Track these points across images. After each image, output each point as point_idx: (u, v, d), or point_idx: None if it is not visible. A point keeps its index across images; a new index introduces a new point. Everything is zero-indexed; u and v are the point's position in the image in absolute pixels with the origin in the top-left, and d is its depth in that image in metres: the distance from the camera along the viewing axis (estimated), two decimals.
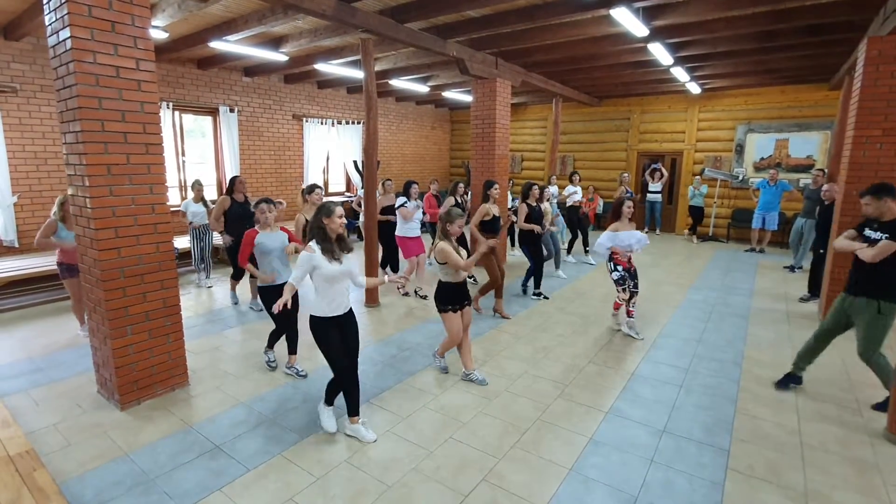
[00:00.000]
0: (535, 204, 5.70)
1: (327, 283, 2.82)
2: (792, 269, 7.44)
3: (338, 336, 2.89)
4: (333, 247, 2.83)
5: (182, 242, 6.45)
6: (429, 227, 6.99)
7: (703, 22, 5.32)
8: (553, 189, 7.90)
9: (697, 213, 9.81)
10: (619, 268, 4.58)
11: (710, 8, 4.75)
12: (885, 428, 3.04)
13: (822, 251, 5.73)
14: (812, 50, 6.36)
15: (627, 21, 4.75)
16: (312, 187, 4.90)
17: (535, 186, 5.72)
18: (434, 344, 4.41)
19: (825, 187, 5.80)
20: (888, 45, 4.42)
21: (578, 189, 8.17)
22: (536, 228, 5.57)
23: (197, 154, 8.44)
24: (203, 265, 6.29)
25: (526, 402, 3.41)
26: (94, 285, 3.19)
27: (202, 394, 3.49)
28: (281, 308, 2.68)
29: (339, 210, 2.86)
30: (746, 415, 3.25)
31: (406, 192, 6.01)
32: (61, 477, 2.55)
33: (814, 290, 5.89)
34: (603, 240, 4.61)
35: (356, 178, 10.50)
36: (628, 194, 8.28)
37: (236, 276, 5.58)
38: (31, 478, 2.19)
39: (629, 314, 4.67)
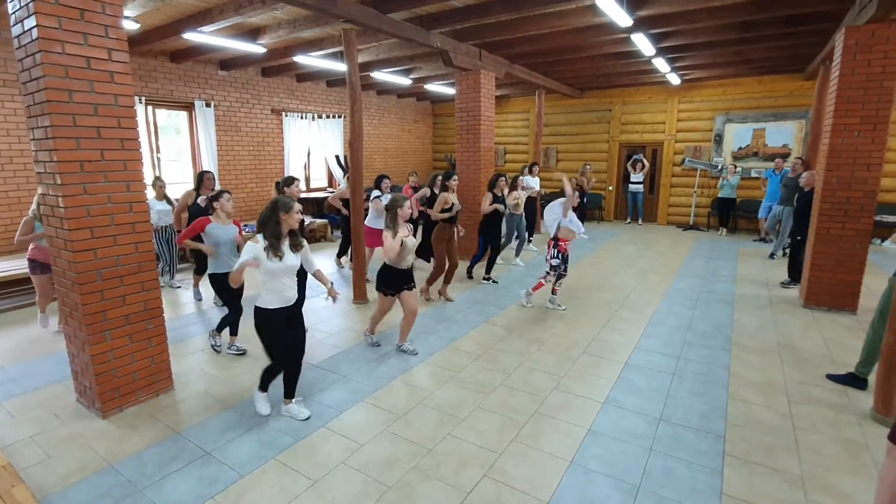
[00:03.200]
0: (500, 194, 6.07)
1: (270, 276, 2.89)
2: (772, 256, 7.61)
3: (281, 327, 2.97)
4: (280, 243, 2.89)
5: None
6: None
7: (685, 12, 5.35)
8: (527, 179, 8.08)
9: (726, 206, 9.29)
10: (561, 255, 5.03)
11: None
12: (871, 408, 3.12)
13: (799, 238, 5.87)
14: (788, 40, 6.48)
15: (612, 10, 4.72)
16: (291, 179, 4.86)
17: (502, 178, 6.10)
18: (423, 338, 4.36)
19: (804, 174, 5.92)
20: (864, 34, 4.50)
21: (536, 180, 8.34)
22: (500, 207, 5.99)
23: (172, 151, 8.16)
24: (169, 266, 6.11)
25: (522, 395, 3.38)
26: (69, 289, 3.02)
27: (189, 398, 3.37)
28: (237, 286, 2.99)
29: (297, 206, 2.94)
30: (739, 400, 3.30)
31: (378, 185, 6.27)
32: (42, 492, 2.41)
33: (794, 275, 6.03)
34: (557, 214, 4.99)
35: (338, 173, 10.33)
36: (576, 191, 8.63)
37: (199, 272, 5.52)
38: (10, 495, 2.06)
39: (554, 292, 5.21)
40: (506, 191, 6.18)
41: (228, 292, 3.93)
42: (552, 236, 5.10)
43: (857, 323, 4.73)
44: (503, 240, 7.04)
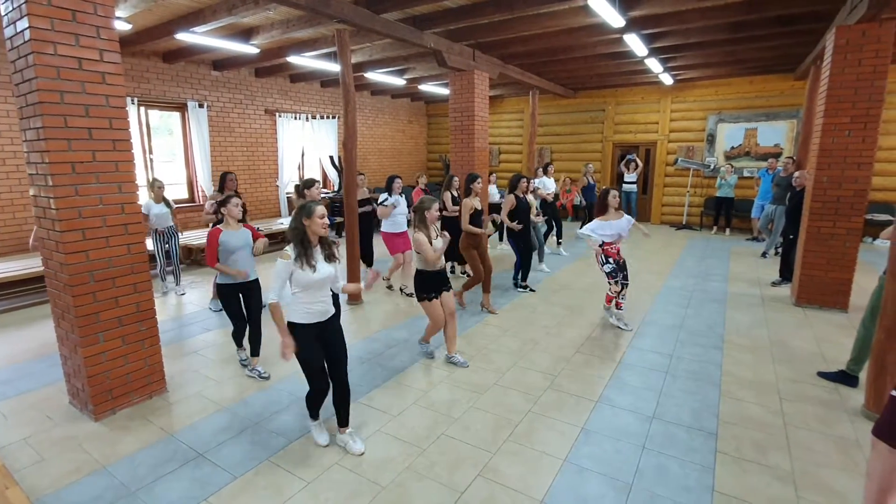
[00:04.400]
0: (522, 196, 5.66)
1: (302, 288, 2.61)
2: (764, 255, 7.67)
3: (316, 345, 2.67)
4: (311, 251, 2.60)
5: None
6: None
7: (677, 12, 5.38)
8: (538, 181, 7.90)
9: (723, 205, 9.29)
10: (611, 260, 4.58)
11: None
12: (862, 405, 3.15)
13: (791, 237, 5.91)
14: (779, 40, 6.53)
15: (604, 11, 4.75)
16: (310, 182, 4.67)
17: (524, 179, 5.67)
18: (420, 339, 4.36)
19: (796, 174, 5.97)
20: (855, 33, 4.55)
21: (551, 181, 8.21)
22: (515, 227, 5.53)
23: (165, 153, 8.13)
24: (171, 269, 5.91)
25: (516, 394, 3.40)
26: (61, 291, 3.01)
27: (182, 400, 3.36)
28: (292, 355, 2.56)
29: (320, 210, 2.60)
30: (731, 398, 3.32)
31: (388, 187, 5.90)
32: (35, 494, 2.40)
33: (785, 274, 6.07)
34: (593, 225, 4.60)
35: (332, 174, 10.32)
36: (590, 185, 8.57)
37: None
38: (4, 496, 2.05)
39: (618, 306, 4.68)
40: (529, 194, 5.80)
41: (234, 306, 3.65)
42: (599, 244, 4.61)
43: (848, 321, 4.78)
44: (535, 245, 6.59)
